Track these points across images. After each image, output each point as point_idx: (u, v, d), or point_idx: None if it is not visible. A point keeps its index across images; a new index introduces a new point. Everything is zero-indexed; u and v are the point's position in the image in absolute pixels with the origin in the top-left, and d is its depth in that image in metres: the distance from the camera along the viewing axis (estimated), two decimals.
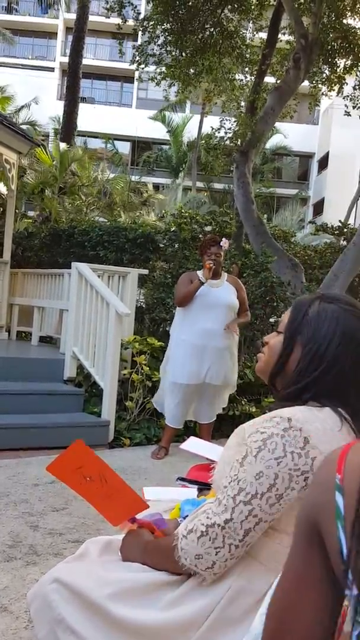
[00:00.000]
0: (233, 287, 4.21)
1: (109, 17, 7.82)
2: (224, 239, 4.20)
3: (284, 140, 22.87)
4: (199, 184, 22.62)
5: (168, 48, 8.03)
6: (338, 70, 8.37)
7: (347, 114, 8.48)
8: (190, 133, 22.39)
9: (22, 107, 16.88)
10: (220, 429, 4.75)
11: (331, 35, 7.90)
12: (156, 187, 21.10)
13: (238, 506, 1.02)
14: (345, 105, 8.55)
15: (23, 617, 1.94)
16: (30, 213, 12.21)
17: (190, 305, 4.11)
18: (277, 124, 11.66)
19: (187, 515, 1.28)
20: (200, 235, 6.05)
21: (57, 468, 1.28)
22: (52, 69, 28.39)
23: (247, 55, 8.44)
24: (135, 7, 7.88)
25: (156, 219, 10.93)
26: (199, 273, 4.15)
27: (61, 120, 14.57)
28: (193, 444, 1.76)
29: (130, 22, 7.96)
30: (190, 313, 4.12)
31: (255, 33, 8.68)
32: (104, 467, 1.26)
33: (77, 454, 1.26)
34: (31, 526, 2.75)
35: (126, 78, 27.48)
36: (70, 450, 1.27)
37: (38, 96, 18.15)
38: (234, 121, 7.83)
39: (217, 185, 22.84)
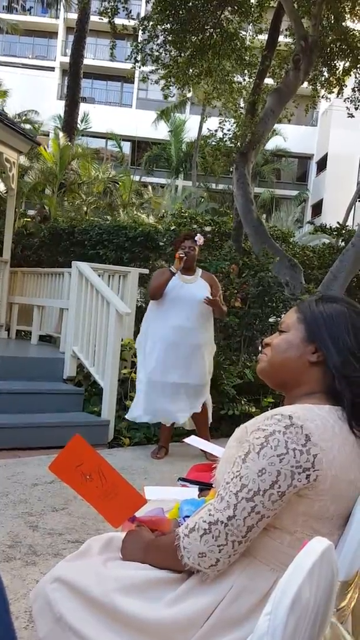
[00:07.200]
0: (207, 283, 4.18)
1: (102, 19, 7.82)
2: (198, 234, 4.20)
3: (283, 141, 22.86)
4: (199, 184, 22.60)
5: (167, 48, 8.03)
6: (337, 72, 8.39)
7: (351, 115, 8.49)
8: (190, 133, 22.38)
9: (25, 112, 16.88)
10: (220, 429, 4.75)
11: (330, 38, 7.92)
12: (156, 187, 21.07)
13: (240, 503, 1.01)
14: (347, 108, 8.57)
15: (23, 617, 1.94)
16: (30, 212, 12.19)
17: (162, 300, 4.09)
18: (276, 126, 11.70)
19: (186, 516, 1.28)
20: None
21: (58, 466, 1.30)
22: (52, 69, 28.38)
23: (247, 58, 8.44)
24: (130, 11, 7.87)
25: (156, 220, 10.92)
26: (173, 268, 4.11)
27: (62, 119, 14.58)
28: (196, 440, 1.78)
29: (130, 22, 7.95)
30: (163, 308, 4.09)
31: (255, 35, 8.69)
32: (102, 462, 1.27)
33: (76, 450, 1.28)
34: (30, 526, 2.74)
35: (126, 78, 27.44)
36: (69, 447, 1.28)
37: (39, 96, 18.15)
38: (234, 122, 7.83)
39: (217, 186, 22.83)
